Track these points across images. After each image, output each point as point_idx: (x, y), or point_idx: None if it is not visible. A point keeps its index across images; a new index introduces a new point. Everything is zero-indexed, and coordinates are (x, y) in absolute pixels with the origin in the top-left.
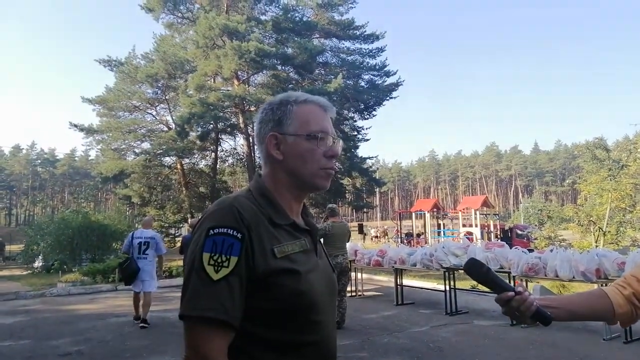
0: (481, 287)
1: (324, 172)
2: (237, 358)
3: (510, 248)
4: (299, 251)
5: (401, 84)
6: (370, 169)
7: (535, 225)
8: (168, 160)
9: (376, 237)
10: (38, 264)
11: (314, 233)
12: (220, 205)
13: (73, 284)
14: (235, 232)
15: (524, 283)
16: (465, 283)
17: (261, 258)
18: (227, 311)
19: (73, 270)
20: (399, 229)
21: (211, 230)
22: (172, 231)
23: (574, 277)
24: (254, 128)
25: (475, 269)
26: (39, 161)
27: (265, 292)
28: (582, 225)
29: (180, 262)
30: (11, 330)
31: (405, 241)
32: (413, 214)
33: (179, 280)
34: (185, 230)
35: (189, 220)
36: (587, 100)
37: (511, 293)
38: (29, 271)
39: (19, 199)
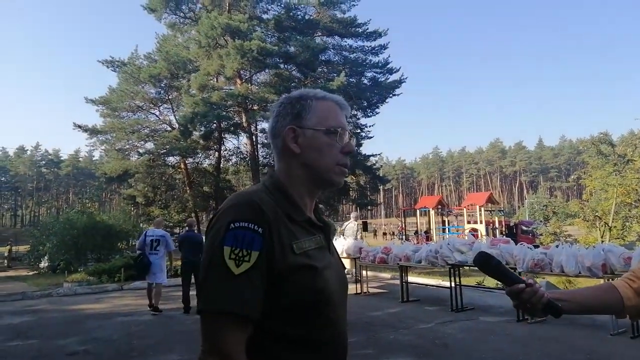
0: (487, 284)
1: (339, 168)
2: (253, 353)
3: (516, 244)
4: (315, 248)
5: (404, 81)
6: (374, 167)
7: (541, 221)
8: (172, 159)
9: (385, 234)
10: (44, 264)
11: (327, 230)
12: (240, 200)
13: (79, 283)
14: (256, 226)
15: None
16: (471, 280)
17: (281, 254)
18: (248, 306)
19: (79, 270)
20: (403, 226)
21: (232, 224)
22: (176, 230)
23: (580, 273)
24: (269, 123)
25: (485, 262)
26: (44, 162)
27: (283, 287)
28: (587, 221)
29: None
30: (18, 330)
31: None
32: (417, 211)
33: None
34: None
35: (187, 220)
36: (592, 95)
37: (522, 285)
38: (35, 271)
39: (24, 200)
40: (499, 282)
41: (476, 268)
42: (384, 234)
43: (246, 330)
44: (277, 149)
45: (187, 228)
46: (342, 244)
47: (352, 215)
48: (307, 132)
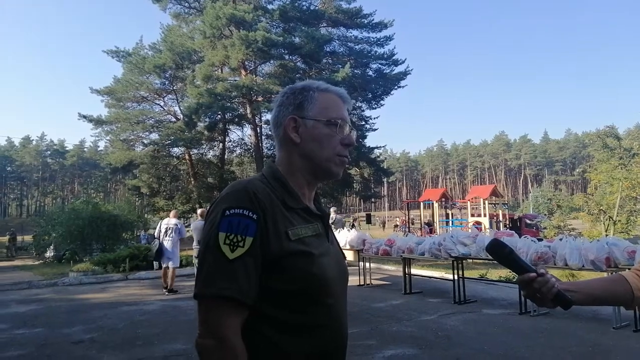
0: (489, 276)
1: (338, 159)
2: (250, 338)
3: (520, 237)
4: (312, 235)
5: (409, 73)
6: (378, 159)
7: (545, 214)
8: (176, 150)
9: (397, 225)
10: (50, 253)
11: (325, 219)
12: (235, 188)
13: (84, 273)
14: (250, 213)
15: None
16: (474, 272)
17: (275, 240)
18: (243, 290)
19: (84, 260)
20: (406, 219)
21: (227, 211)
22: (181, 221)
23: (583, 266)
24: (272, 112)
25: (497, 249)
26: (49, 152)
27: (279, 273)
28: (592, 215)
29: (190, 252)
30: (25, 318)
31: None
32: (421, 203)
33: (189, 270)
34: (193, 220)
35: (198, 210)
36: (598, 88)
37: (533, 274)
38: (40, 261)
39: (30, 190)
40: (501, 277)
41: (479, 261)
42: (396, 226)
43: (241, 314)
44: (278, 139)
45: (201, 219)
46: (345, 235)
47: (333, 209)
48: (307, 122)
